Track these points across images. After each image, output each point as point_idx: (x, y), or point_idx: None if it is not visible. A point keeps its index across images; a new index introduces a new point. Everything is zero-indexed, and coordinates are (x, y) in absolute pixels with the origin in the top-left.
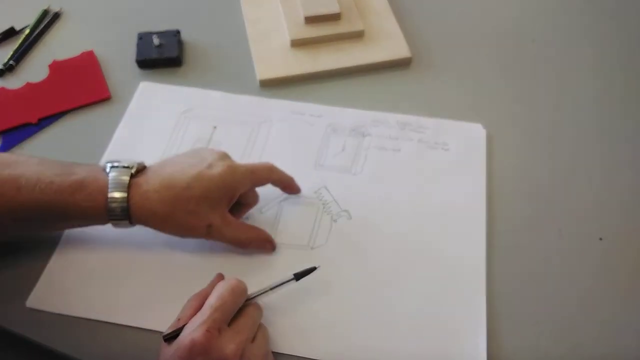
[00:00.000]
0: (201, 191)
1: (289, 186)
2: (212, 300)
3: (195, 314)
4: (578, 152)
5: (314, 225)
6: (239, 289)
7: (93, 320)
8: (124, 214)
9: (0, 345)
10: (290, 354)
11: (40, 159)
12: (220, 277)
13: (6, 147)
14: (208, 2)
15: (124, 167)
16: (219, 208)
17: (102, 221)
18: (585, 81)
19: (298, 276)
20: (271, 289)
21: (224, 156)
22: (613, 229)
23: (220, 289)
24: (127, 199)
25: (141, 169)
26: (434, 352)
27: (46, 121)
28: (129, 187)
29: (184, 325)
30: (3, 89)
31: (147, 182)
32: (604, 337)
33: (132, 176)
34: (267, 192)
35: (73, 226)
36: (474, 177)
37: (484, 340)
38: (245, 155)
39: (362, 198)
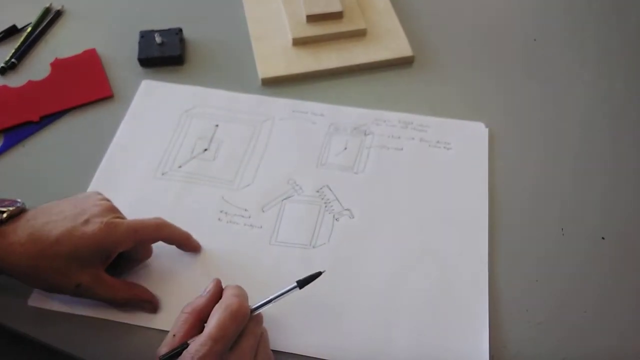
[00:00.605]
0: (69, 249)
1: (184, 244)
2: (212, 330)
3: (192, 330)
4: (580, 150)
5: (316, 224)
6: (241, 314)
7: (94, 318)
8: None
9: (1, 344)
10: (291, 352)
11: None
12: (218, 285)
13: (8, 146)
14: (210, 1)
15: None
16: (91, 267)
17: None
18: (586, 79)
19: (301, 283)
20: (274, 298)
21: (107, 211)
22: (616, 228)
23: (220, 315)
24: None
25: (16, 213)
26: (437, 351)
27: (48, 119)
28: None
29: (180, 345)
30: (5, 87)
31: (15, 232)
32: (606, 335)
33: (2, 223)
34: (268, 190)
35: None
36: (476, 176)
37: (486, 339)
38: (248, 153)
39: (364, 197)
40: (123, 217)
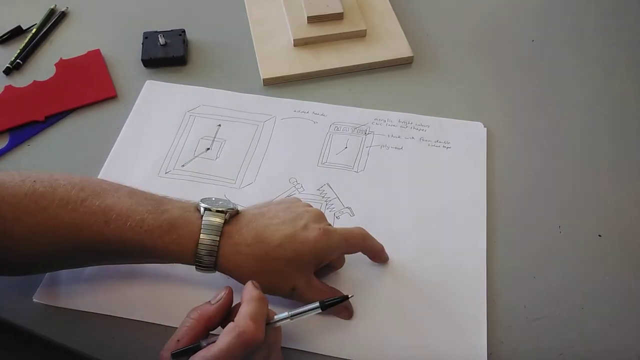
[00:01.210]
0: (292, 254)
1: (378, 256)
2: (220, 353)
3: (197, 337)
4: (577, 149)
5: None
6: (253, 343)
7: (99, 314)
8: (211, 263)
9: (6, 339)
10: (293, 348)
11: (130, 190)
12: (229, 295)
13: (13, 145)
14: (213, 2)
15: (218, 211)
16: (306, 272)
17: (186, 262)
18: (584, 80)
19: (324, 306)
20: (292, 316)
21: (320, 218)
22: (612, 226)
23: (231, 341)
24: (217, 249)
25: (234, 214)
26: (435, 348)
27: (53, 119)
28: (220, 236)
29: (194, 345)
30: (10, 87)
31: (240, 233)
32: (603, 333)
33: (225, 222)
34: (270, 188)
35: (149, 262)
36: (474, 175)
37: (484, 335)
38: (250, 152)
39: (365, 195)
40: (331, 225)
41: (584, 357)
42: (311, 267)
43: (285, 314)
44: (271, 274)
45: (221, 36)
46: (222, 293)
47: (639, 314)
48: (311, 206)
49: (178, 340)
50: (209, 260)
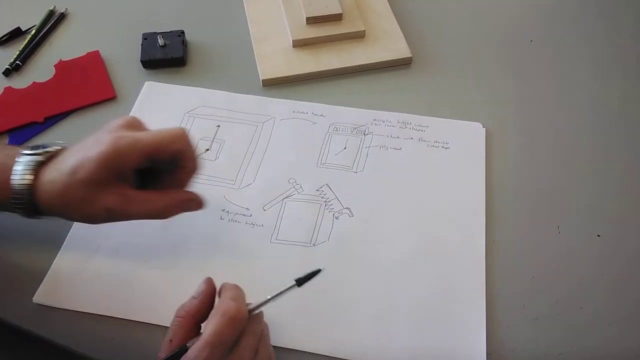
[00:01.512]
0: (84, 175)
1: (185, 177)
2: (209, 337)
3: (188, 334)
4: (576, 150)
5: (316, 222)
6: (239, 319)
7: (99, 315)
8: (28, 204)
9: (6, 340)
10: (291, 348)
11: None
12: (210, 285)
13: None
14: (212, 3)
15: (35, 153)
16: (112, 189)
17: (7, 209)
18: (582, 80)
19: (300, 282)
20: (273, 297)
21: (118, 128)
22: (611, 226)
23: (218, 321)
24: (31, 189)
25: (53, 154)
26: (434, 348)
27: (52, 120)
28: (34, 176)
29: (179, 348)
30: (10, 88)
31: (47, 172)
32: (602, 333)
33: (41, 164)
34: (269, 189)
35: None
36: (473, 175)
37: (483, 335)
38: (249, 153)
39: (364, 196)
40: (141, 129)
41: (583, 357)
42: (115, 182)
43: (266, 297)
44: (78, 202)
45: (220, 37)
46: (203, 286)
47: (638, 314)
48: (135, 118)
49: (170, 340)
50: (21, 200)
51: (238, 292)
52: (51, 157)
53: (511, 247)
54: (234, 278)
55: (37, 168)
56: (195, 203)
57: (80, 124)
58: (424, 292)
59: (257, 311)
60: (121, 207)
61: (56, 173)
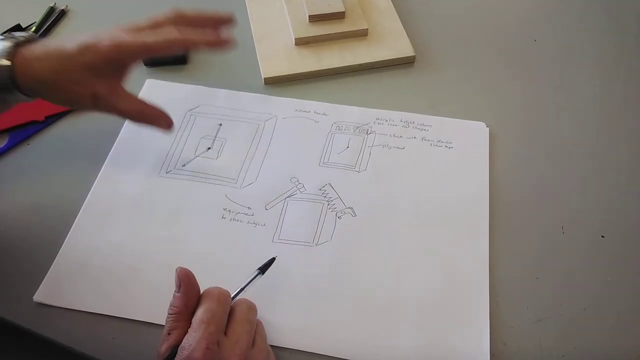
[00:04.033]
0: (90, 58)
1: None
2: (200, 315)
3: (186, 323)
4: (580, 150)
5: (319, 222)
6: (223, 296)
7: (99, 314)
8: (9, 81)
9: (6, 339)
10: (293, 348)
11: None
12: (186, 275)
13: (13, 144)
14: (213, 1)
15: (11, 37)
16: (106, 77)
17: None
18: (586, 80)
19: (263, 269)
20: (242, 289)
21: (125, 31)
22: (615, 227)
23: (203, 302)
24: (11, 68)
25: (32, 40)
26: (437, 347)
27: (52, 118)
28: (12, 56)
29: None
30: None
31: (30, 51)
32: (606, 334)
33: (18, 45)
34: (271, 188)
35: None
36: (476, 175)
37: (486, 336)
38: (251, 152)
39: (366, 195)
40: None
41: (586, 358)
42: (111, 72)
43: (237, 289)
44: (69, 83)
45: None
46: (177, 278)
47: None
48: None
49: (169, 333)
50: (5, 79)
51: (217, 288)
52: (29, 41)
53: (515, 247)
54: (236, 278)
55: (15, 50)
56: (165, 122)
57: (81, 122)
58: (427, 292)
59: (234, 300)
60: (108, 97)
61: (45, 54)
